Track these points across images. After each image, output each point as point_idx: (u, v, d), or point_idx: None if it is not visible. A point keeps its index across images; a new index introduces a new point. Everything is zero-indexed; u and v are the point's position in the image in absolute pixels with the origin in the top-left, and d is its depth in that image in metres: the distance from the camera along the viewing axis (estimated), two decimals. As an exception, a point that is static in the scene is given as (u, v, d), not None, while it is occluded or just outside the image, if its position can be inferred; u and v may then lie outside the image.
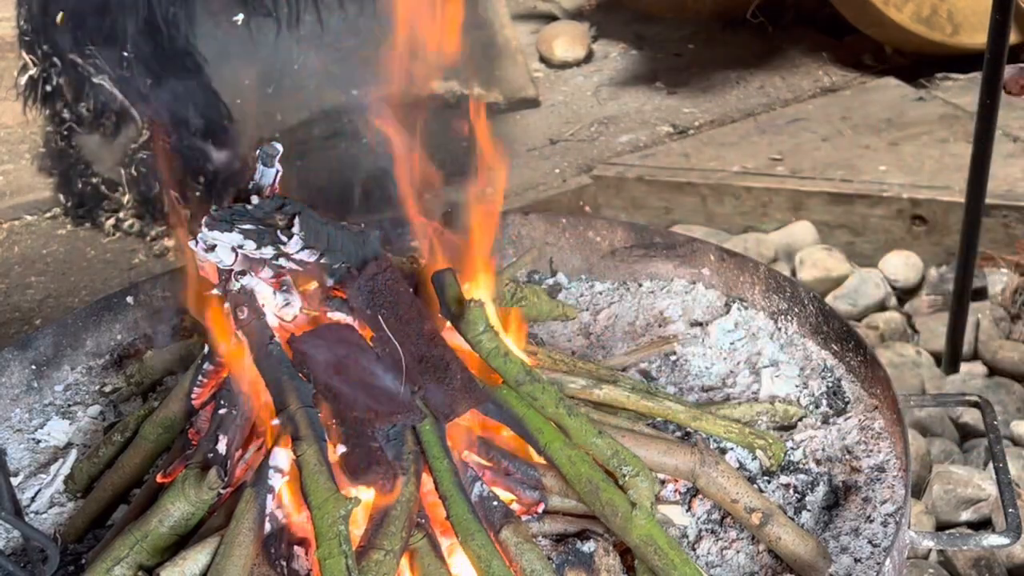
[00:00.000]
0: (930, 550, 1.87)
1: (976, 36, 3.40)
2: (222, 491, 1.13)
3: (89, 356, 1.57)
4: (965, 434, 2.18)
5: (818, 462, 1.28)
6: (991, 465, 1.45)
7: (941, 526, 1.94)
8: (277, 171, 1.17)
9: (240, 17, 3.08)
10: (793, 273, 2.74)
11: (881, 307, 2.62)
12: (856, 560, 1.12)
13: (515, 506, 1.17)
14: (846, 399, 1.37)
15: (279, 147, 1.17)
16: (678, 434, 1.30)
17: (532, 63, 4.13)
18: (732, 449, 1.28)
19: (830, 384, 1.39)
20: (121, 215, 3.20)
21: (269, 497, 1.10)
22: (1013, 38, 2.69)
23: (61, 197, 3.35)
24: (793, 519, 1.19)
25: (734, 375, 1.45)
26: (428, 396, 1.17)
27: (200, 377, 1.26)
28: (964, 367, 2.33)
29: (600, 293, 1.68)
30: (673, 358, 1.49)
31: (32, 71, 3.08)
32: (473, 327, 1.20)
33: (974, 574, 1.82)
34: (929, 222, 2.76)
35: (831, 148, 3.16)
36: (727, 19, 4.33)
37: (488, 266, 1.30)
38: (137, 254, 3.12)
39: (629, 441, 1.19)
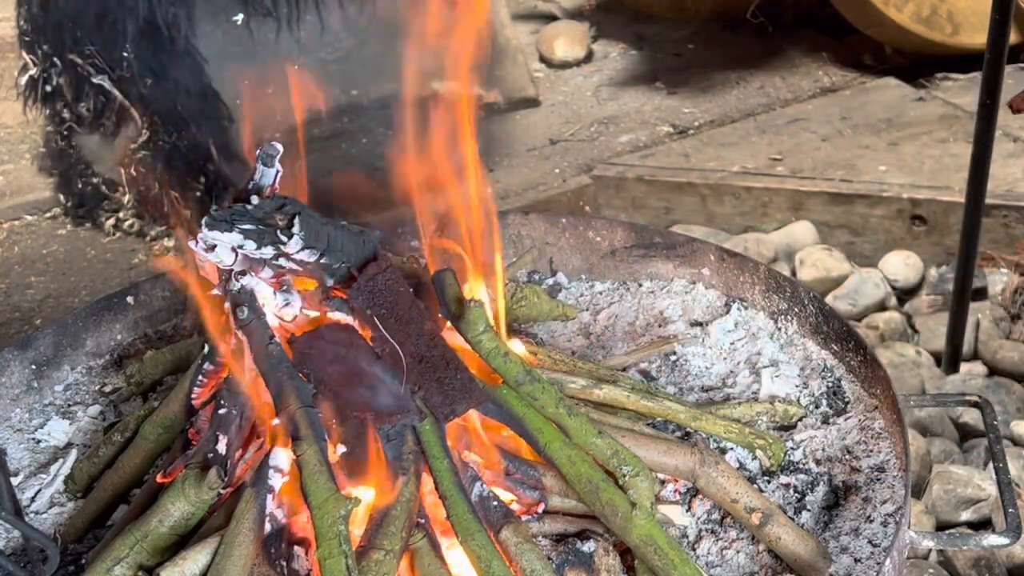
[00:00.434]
0: (930, 550, 1.87)
1: (976, 36, 3.40)
2: (222, 491, 1.13)
3: (89, 356, 1.57)
4: (965, 434, 2.18)
5: (818, 462, 1.28)
6: (991, 465, 1.45)
7: (941, 526, 1.94)
8: (277, 171, 1.17)
9: (240, 17, 3.08)
10: (793, 273, 2.74)
11: (881, 307, 2.62)
12: (856, 560, 1.12)
13: (515, 506, 1.17)
14: (846, 399, 1.37)
15: (279, 147, 1.17)
16: (678, 434, 1.30)
17: (532, 63, 4.13)
18: (732, 449, 1.28)
19: (830, 384, 1.39)
20: (121, 215, 3.20)
21: (269, 497, 1.10)
22: (1013, 38, 2.69)
23: (61, 197, 3.35)
24: (793, 519, 1.19)
25: (734, 375, 1.45)
26: (428, 396, 1.17)
27: (200, 377, 1.26)
28: (964, 367, 2.33)
29: (600, 293, 1.68)
30: (673, 358, 1.49)
31: (32, 71, 3.08)
32: (473, 327, 1.20)
33: (974, 574, 1.82)
34: (929, 222, 2.76)
35: (831, 148, 3.16)
36: (727, 19, 4.33)
37: (490, 266, 1.30)
38: (137, 254, 3.12)
39: (629, 441, 1.19)
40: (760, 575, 1.14)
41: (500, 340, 1.22)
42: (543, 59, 4.28)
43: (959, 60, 3.52)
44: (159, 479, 1.19)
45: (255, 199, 1.11)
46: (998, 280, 2.56)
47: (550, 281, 1.72)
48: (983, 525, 1.93)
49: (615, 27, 4.54)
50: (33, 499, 1.32)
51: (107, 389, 1.50)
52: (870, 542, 1.14)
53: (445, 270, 1.25)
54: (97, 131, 3.11)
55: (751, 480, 1.25)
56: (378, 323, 1.19)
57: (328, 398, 1.15)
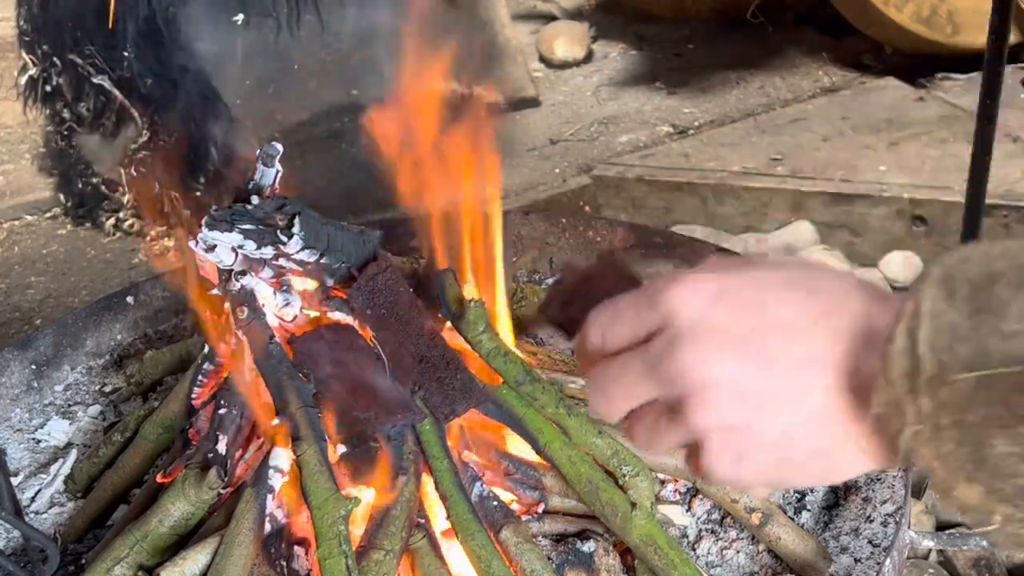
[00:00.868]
0: (930, 550, 1.87)
1: (976, 36, 3.40)
2: (222, 491, 1.13)
3: (89, 356, 1.57)
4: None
5: (818, 462, 1.27)
6: (991, 465, 1.44)
7: (941, 526, 1.94)
8: (277, 171, 1.17)
9: (240, 17, 3.08)
10: (793, 273, 2.74)
11: (881, 307, 2.62)
12: (856, 560, 1.12)
13: (515, 506, 1.17)
14: (846, 399, 1.37)
15: (279, 147, 1.17)
16: (678, 434, 1.30)
17: (532, 63, 4.13)
18: (732, 449, 1.28)
19: (830, 384, 1.39)
20: (121, 215, 3.20)
21: (269, 497, 1.10)
22: (1013, 38, 2.69)
23: (61, 197, 3.35)
24: (793, 519, 1.19)
25: (734, 375, 1.45)
26: (428, 396, 1.17)
27: (200, 377, 1.26)
28: (964, 367, 2.32)
29: (600, 293, 1.68)
30: (673, 358, 1.49)
31: (32, 71, 3.08)
32: (473, 327, 1.20)
33: (974, 574, 1.82)
34: (929, 222, 2.76)
35: (831, 148, 3.16)
36: (727, 19, 4.33)
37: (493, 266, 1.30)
38: (137, 254, 3.12)
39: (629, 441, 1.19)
40: (760, 575, 1.14)
41: (500, 340, 1.22)
42: (543, 59, 4.28)
43: (959, 60, 3.52)
44: (159, 479, 1.19)
45: (255, 199, 1.11)
46: (998, 280, 2.56)
47: (550, 281, 1.72)
48: (983, 525, 1.93)
49: (615, 27, 4.54)
50: (33, 499, 1.32)
51: (107, 389, 1.50)
52: (870, 542, 1.14)
53: (445, 270, 1.25)
54: (97, 131, 3.11)
55: (751, 480, 1.25)
56: (378, 323, 1.18)
57: (328, 398, 1.15)
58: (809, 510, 1.21)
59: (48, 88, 3.07)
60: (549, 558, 1.10)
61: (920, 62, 3.67)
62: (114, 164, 3.14)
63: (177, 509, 1.11)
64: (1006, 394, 0.54)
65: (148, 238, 3.16)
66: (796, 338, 0.63)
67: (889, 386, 0.58)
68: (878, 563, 1.10)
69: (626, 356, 0.68)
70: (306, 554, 1.07)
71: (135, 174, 3.07)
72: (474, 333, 1.21)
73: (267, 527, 1.09)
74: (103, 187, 3.21)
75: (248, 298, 1.18)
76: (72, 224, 3.31)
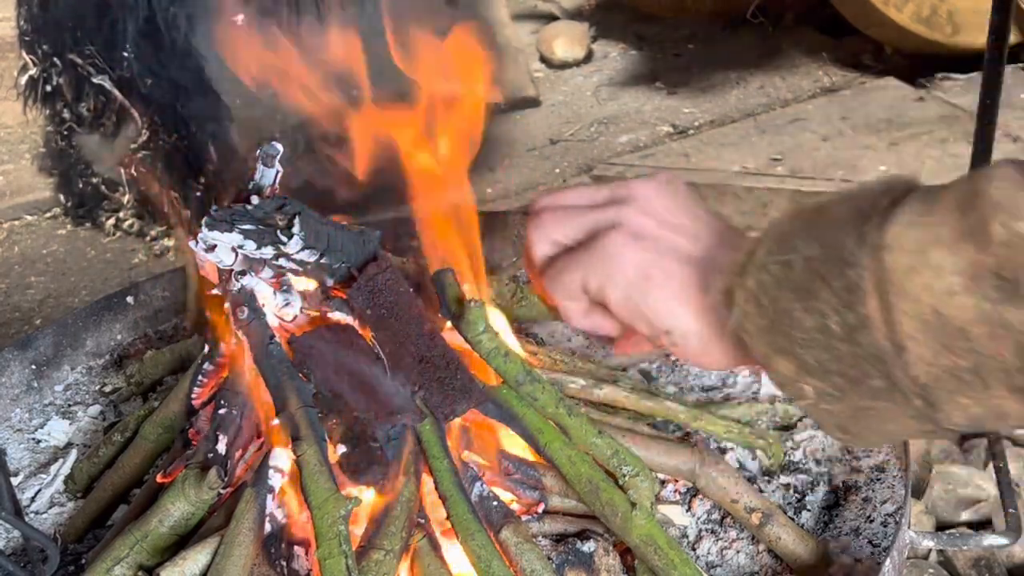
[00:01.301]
0: (930, 550, 1.87)
1: (976, 36, 3.40)
2: (222, 491, 1.13)
3: (89, 356, 1.57)
4: (965, 434, 2.18)
5: (818, 462, 1.28)
6: (991, 465, 1.45)
7: (941, 526, 1.94)
8: (277, 171, 1.17)
9: (240, 17, 3.08)
10: (793, 273, 2.74)
11: (881, 307, 2.62)
12: (856, 560, 1.12)
13: (515, 506, 1.17)
14: (846, 399, 1.37)
15: (279, 147, 1.17)
16: (678, 434, 1.30)
17: (532, 63, 4.14)
18: (732, 449, 1.28)
19: (830, 384, 1.39)
20: (121, 215, 3.20)
21: (269, 497, 1.10)
22: (1013, 38, 2.69)
23: (61, 197, 3.35)
24: (793, 519, 1.19)
25: (734, 375, 1.45)
26: (428, 396, 1.17)
27: (200, 377, 1.26)
28: (964, 367, 2.32)
29: (600, 293, 1.68)
30: (673, 358, 1.49)
31: (32, 71, 3.08)
32: (473, 327, 1.20)
33: (974, 574, 1.82)
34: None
35: (831, 148, 3.16)
36: (727, 19, 4.33)
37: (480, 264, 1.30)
38: (137, 254, 3.12)
39: (629, 441, 1.19)
40: (760, 575, 1.14)
41: (500, 340, 1.22)
42: (543, 59, 4.29)
43: (959, 60, 3.52)
44: (159, 479, 1.19)
45: (255, 199, 1.11)
46: (998, 280, 2.56)
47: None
48: (983, 525, 1.93)
49: (615, 27, 4.54)
50: (33, 499, 1.32)
51: (107, 389, 1.50)
52: (870, 542, 1.14)
53: (445, 270, 1.25)
54: (97, 131, 3.11)
55: (751, 480, 1.25)
56: (378, 323, 1.18)
57: (328, 398, 1.15)
58: (809, 510, 1.21)
59: (48, 88, 3.08)
60: (549, 558, 1.10)
61: (920, 62, 3.67)
62: (114, 164, 3.15)
63: (177, 509, 1.11)
64: (808, 276, 0.68)
65: (148, 238, 3.16)
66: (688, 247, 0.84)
67: (728, 275, 0.75)
68: (878, 563, 1.10)
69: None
70: (306, 554, 1.07)
71: (135, 174, 3.07)
72: (474, 333, 1.21)
73: (267, 527, 1.09)
74: (103, 187, 3.21)
75: (248, 298, 1.18)
76: (72, 224, 3.31)
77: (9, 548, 1.24)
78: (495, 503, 1.13)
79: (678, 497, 1.23)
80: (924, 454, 2.05)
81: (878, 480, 1.22)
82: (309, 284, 1.23)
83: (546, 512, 1.18)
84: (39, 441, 1.43)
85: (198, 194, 2.92)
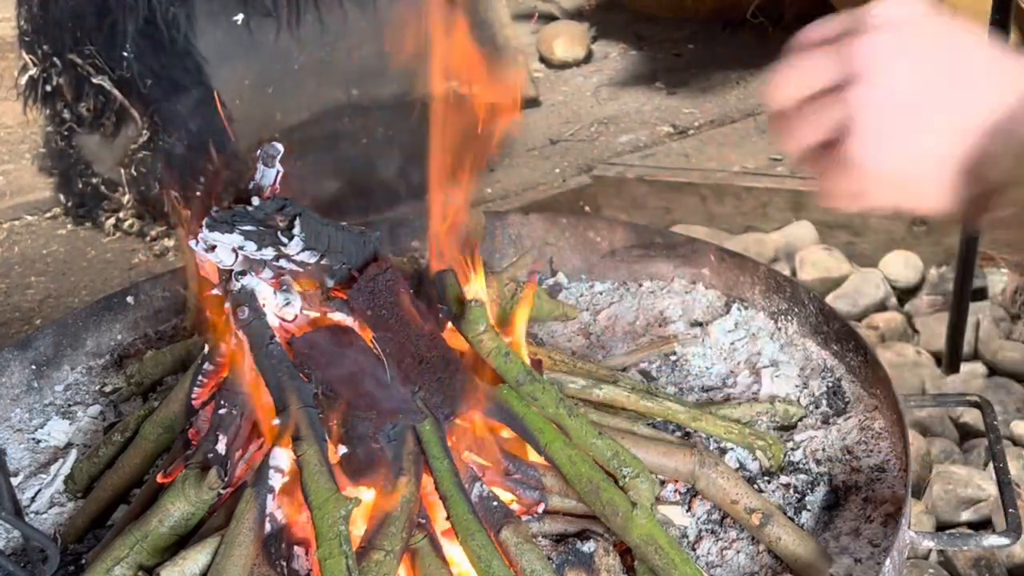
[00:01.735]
0: (930, 550, 1.87)
1: (976, 36, 3.40)
2: (222, 491, 1.13)
3: (89, 356, 1.57)
4: (965, 434, 2.18)
5: (818, 462, 1.28)
6: (991, 465, 1.45)
7: (941, 526, 1.94)
8: (278, 172, 1.17)
9: (240, 17, 3.09)
10: (793, 273, 2.74)
11: (881, 307, 2.62)
12: (856, 560, 1.12)
13: (515, 506, 1.17)
14: (846, 399, 1.37)
15: (279, 147, 1.17)
16: (678, 434, 1.30)
17: (532, 63, 4.13)
18: (732, 449, 1.28)
19: (830, 384, 1.39)
20: (121, 215, 3.20)
21: (269, 497, 1.10)
22: (1013, 38, 2.69)
23: (61, 197, 3.35)
24: (793, 519, 1.19)
25: (734, 375, 1.45)
26: (428, 396, 1.17)
27: (200, 377, 1.26)
28: (964, 367, 2.33)
29: (600, 293, 1.68)
30: (673, 358, 1.49)
31: (32, 71, 3.08)
32: (473, 327, 1.20)
33: (974, 574, 1.82)
34: (929, 222, 2.76)
35: (831, 148, 3.15)
36: (727, 19, 4.33)
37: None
38: (137, 254, 3.12)
39: (629, 442, 1.19)
40: (760, 575, 1.14)
41: (500, 340, 1.22)
42: (543, 59, 4.29)
43: (959, 60, 3.52)
44: (159, 479, 1.19)
45: (256, 200, 1.11)
46: (998, 280, 2.56)
47: (550, 281, 1.72)
48: (983, 525, 1.93)
49: (615, 27, 4.54)
50: (33, 499, 1.32)
51: (107, 389, 1.50)
52: (870, 542, 1.14)
53: (446, 270, 1.25)
54: (97, 131, 3.11)
55: (751, 480, 1.25)
56: (379, 323, 1.18)
57: (328, 398, 1.15)
58: (809, 510, 1.21)
59: (48, 88, 3.08)
60: (549, 558, 1.10)
61: (920, 62, 3.67)
62: (114, 164, 3.15)
63: (177, 509, 1.11)
64: None
65: (148, 238, 3.16)
66: (970, 78, 0.75)
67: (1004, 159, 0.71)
68: (878, 563, 1.10)
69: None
70: (306, 554, 1.07)
71: (135, 174, 3.07)
72: (474, 333, 1.21)
73: (267, 527, 1.09)
74: (103, 187, 3.21)
75: (248, 298, 1.18)
76: (72, 224, 3.31)
77: (9, 548, 1.24)
78: (495, 503, 1.13)
79: (678, 497, 1.23)
80: (924, 454, 2.05)
81: (878, 480, 1.22)
82: (309, 285, 1.23)
83: (546, 512, 1.18)
84: (39, 441, 1.43)
85: (198, 194, 2.92)
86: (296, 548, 1.07)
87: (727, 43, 4.24)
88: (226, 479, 1.12)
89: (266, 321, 1.18)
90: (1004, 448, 1.28)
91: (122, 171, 3.11)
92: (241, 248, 1.11)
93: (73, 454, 1.37)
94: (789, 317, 1.50)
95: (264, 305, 1.19)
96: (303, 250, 1.12)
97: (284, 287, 1.19)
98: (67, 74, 3.01)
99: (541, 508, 1.17)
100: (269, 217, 1.11)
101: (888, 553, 1.08)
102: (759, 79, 3.90)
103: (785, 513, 1.18)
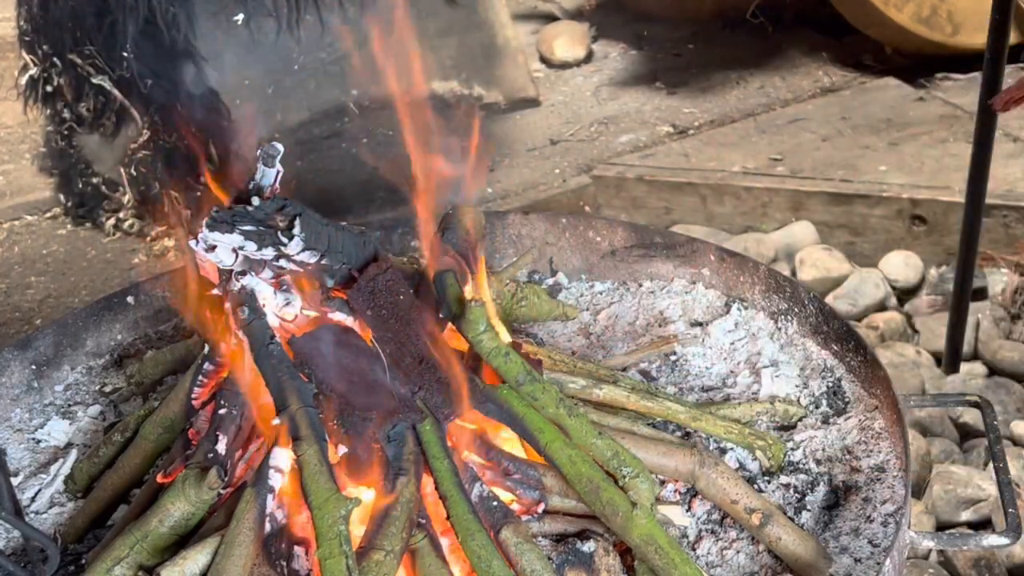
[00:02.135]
0: (930, 550, 1.87)
1: (976, 36, 3.40)
2: (222, 491, 1.13)
3: (89, 356, 1.57)
4: (965, 434, 2.18)
5: (818, 462, 1.28)
6: (991, 465, 1.45)
7: (941, 526, 1.94)
8: (278, 171, 1.16)
9: (240, 17, 3.09)
10: (793, 273, 2.74)
11: (881, 307, 2.62)
12: (856, 560, 1.12)
13: (515, 506, 1.17)
14: (846, 399, 1.37)
15: (279, 147, 1.17)
16: (678, 434, 1.30)
17: (532, 63, 4.13)
18: (732, 449, 1.28)
19: (830, 384, 1.39)
20: (121, 215, 3.20)
21: (269, 497, 1.10)
22: (1013, 38, 2.69)
23: (61, 197, 3.35)
24: (793, 519, 1.19)
25: (734, 375, 1.45)
26: (428, 396, 1.17)
27: (200, 377, 1.26)
28: (964, 367, 2.33)
29: (600, 293, 1.68)
30: (673, 358, 1.49)
31: (32, 71, 3.08)
32: (473, 327, 1.20)
33: (974, 574, 1.82)
34: (929, 222, 2.76)
35: (831, 148, 3.16)
36: (727, 19, 4.33)
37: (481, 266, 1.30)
38: (137, 254, 3.12)
39: (629, 442, 1.19)
40: (760, 575, 1.14)
41: (500, 340, 1.22)
42: (543, 59, 4.29)
43: (959, 60, 3.52)
44: (159, 479, 1.19)
45: (256, 200, 1.11)
46: (998, 280, 2.56)
47: (550, 281, 1.72)
48: (983, 525, 1.93)
49: (615, 27, 4.54)
50: (33, 499, 1.32)
51: (107, 389, 1.50)
52: (870, 542, 1.14)
53: (445, 270, 1.25)
54: (97, 131, 3.11)
55: (751, 480, 1.25)
56: (379, 323, 1.18)
57: (328, 398, 1.15)
58: (809, 510, 1.21)
59: (48, 88, 3.08)
60: (549, 558, 1.10)
61: (920, 62, 3.67)
62: (114, 164, 3.15)
63: (177, 509, 1.11)
64: None
65: (148, 238, 3.16)
66: None
67: None
68: (878, 563, 1.10)
69: None
70: (306, 554, 1.07)
71: (135, 174, 3.07)
72: (474, 333, 1.21)
73: (267, 527, 1.09)
74: (103, 187, 3.21)
75: (248, 298, 1.18)
76: (72, 224, 3.31)
77: (9, 548, 1.24)
78: (495, 503, 1.13)
79: (678, 497, 1.23)
80: (924, 454, 2.05)
81: (878, 480, 1.22)
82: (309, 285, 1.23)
83: (546, 512, 1.18)
84: (39, 441, 1.43)
85: (198, 194, 2.92)
86: (296, 548, 1.07)
87: (727, 43, 4.24)
88: (226, 479, 1.12)
89: (266, 321, 1.18)
90: (1004, 448, 1.28)
91: (122, 171, 3.11)
92: (241, 248, 1.11)
93: (73, 454, 1.37)
94: (789, 317, 1.51)
95: (264, 305, 1.19)
96: (303, 250, 1.12)
97: (284, 287, 1.19)
98: (67, 74, 3.01)
99: (541, 508, 1.17)
100: (269, 217, 1.11)
101: (888, 553, 1.08)
102: (759, 79, 3.90)
103: (785, 513, 1.18)
